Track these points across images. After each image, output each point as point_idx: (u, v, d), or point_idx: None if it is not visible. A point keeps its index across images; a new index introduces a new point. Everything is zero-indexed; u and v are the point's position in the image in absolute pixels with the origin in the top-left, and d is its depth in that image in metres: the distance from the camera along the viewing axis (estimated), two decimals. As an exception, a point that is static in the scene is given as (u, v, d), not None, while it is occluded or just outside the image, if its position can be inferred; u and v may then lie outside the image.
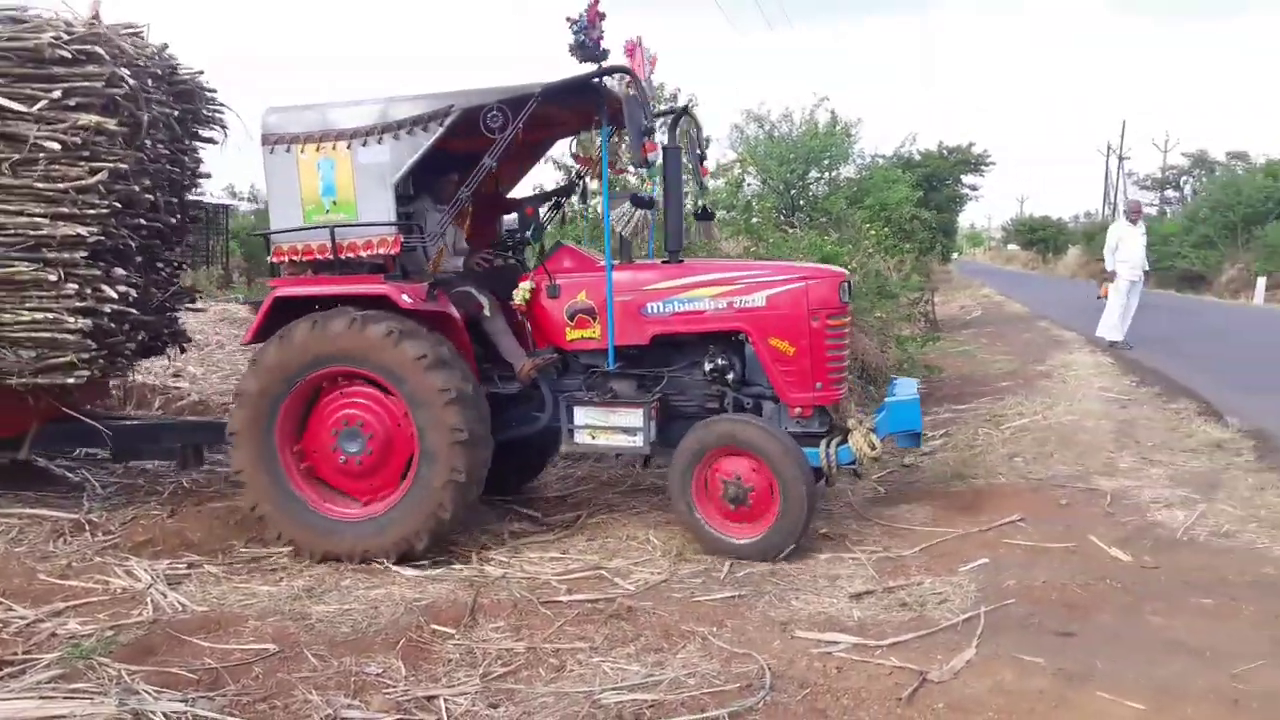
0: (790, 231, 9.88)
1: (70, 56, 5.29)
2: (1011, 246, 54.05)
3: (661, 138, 5.96)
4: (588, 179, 6.82)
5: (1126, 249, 13.49)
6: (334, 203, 5.49)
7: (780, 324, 5.68)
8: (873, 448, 5.48)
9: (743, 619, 4.13)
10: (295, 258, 5.60)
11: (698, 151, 6.32)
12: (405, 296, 5.35)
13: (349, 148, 5.44)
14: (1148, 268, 14.36)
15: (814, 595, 4.47)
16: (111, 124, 5.41)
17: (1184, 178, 52.36)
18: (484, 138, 5.23)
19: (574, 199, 6.89)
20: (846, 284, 5.84)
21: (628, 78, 5.43)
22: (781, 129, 14.70)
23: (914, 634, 3.85)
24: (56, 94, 5.31)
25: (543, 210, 6.64)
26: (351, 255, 5.47)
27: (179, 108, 6.23)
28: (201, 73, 6.46)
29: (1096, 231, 45.99)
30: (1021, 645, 3.69)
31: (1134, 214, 14.69)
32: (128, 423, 6.54)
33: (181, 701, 3.46)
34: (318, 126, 5.48)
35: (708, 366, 5.84)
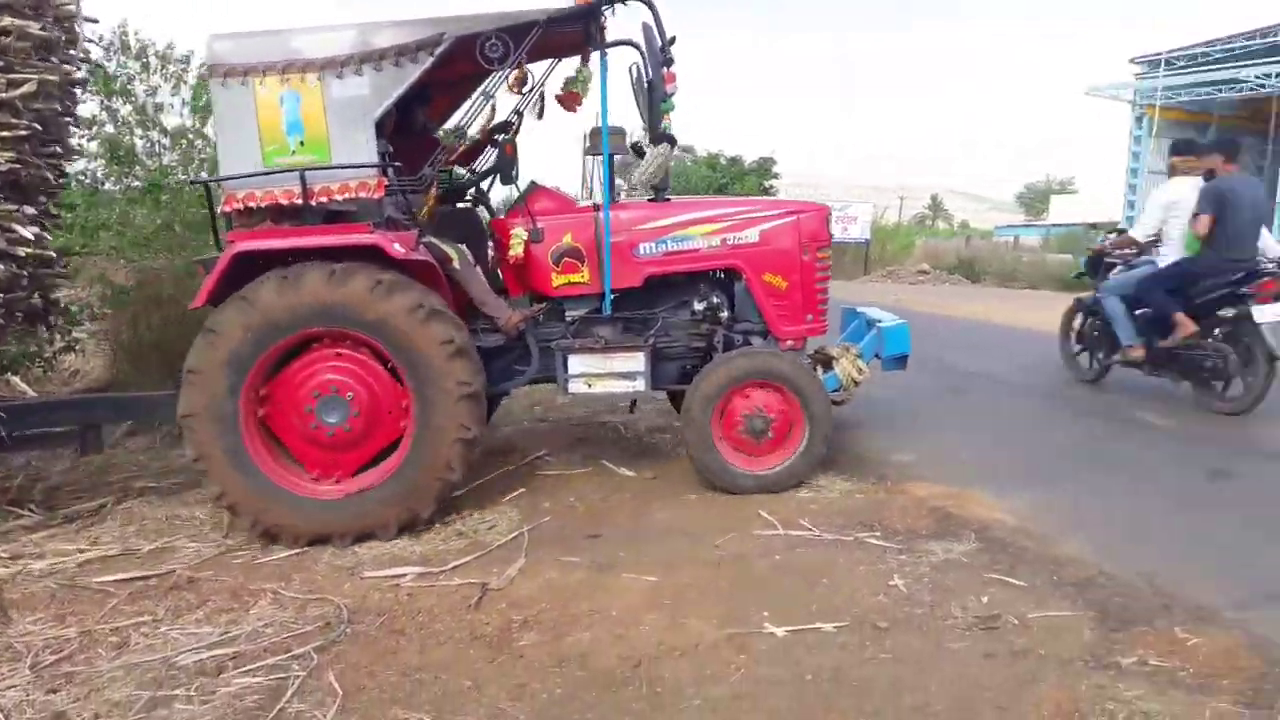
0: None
1: None
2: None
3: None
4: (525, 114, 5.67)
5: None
6: (301, 142, 4.71)
7: (774, 259, 5.61)
8: (860, 372, 5.64)
9: (310, 571, 4.32)
10: (253, 204, 4.73)
11: (662, 54, 5.17)
12: (397, 246, 4.71)
13: (319, 80, 4.67)
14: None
15: (375, 540, 4.72)
16: (35, 28, 4.49)
17: (643, 166, 59.12)
18: (445, 68, 4.81)
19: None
20: (829, 217, 5.90)
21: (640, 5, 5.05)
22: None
23: (472, 556, 4.36)
24: None
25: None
26: (324, 200, 4.74)
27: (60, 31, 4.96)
28: None
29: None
30: (561, 551, 4.38)
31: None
32: (12, 402, 5.39)
33: None
34: (280, 56, 4.66)
35: (698, 306, 5.67)
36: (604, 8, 5.05)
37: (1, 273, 4.52)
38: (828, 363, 5.70)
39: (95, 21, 5.62)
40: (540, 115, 5.68)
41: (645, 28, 5.07)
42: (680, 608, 3.69)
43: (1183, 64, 29.96)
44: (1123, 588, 3.74)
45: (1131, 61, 31.34)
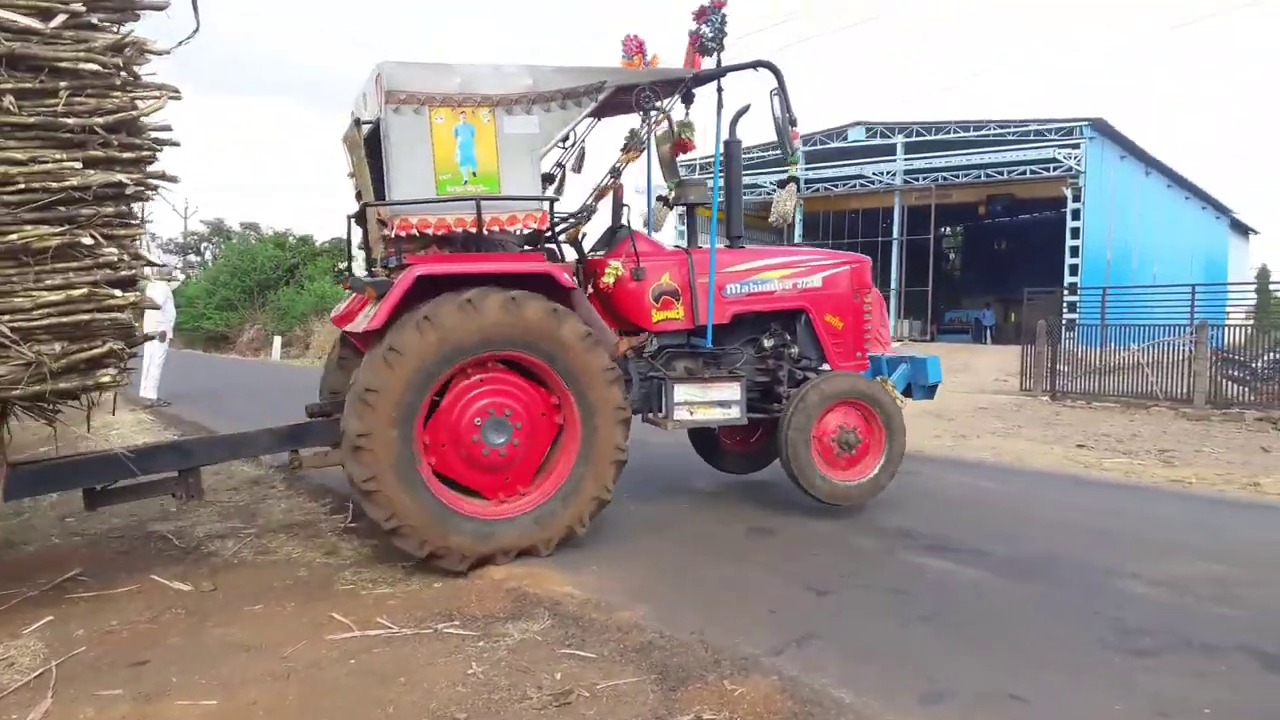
0: None
1: None
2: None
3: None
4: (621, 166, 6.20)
5: (168, 309, 13.97)
6: (473, 173, 4.99)
7: (834, 302, 6.41)
8: (899, 400, 6.23)
9: None
10: (427, 230, 4.99)
11: (788, 114, 5.82)
12: (567, 276, 5.16)
13: (493, 116, 5.00)
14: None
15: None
16: (155, 44, 4.37)
17: (204, 244, 55.69)
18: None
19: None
20: (872, 267, 6.70)
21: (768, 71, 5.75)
22: None
23: (-20, 704, 3.69)
24: (76, 5, 4.13)
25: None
26: (495, 230, 5.09)
27: None
28: None
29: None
30: (99, 684, 3.83)
31: (169, 275, 15.43)
32: (114, 450, 5.09)
33: None
34: (455, 89, 4.98)
35: (768, 343, 6.36)
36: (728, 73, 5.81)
37: (139, 300, 4.46)
38: None
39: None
40: (579, 169, 6.31)
41: (774, 94, 5.73)
42: (244, 731, 3.39)
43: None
44: (679, 647, 4.05)
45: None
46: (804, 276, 6.41)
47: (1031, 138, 28.22)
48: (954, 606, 4.70)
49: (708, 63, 5.90)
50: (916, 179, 31.16)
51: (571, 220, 6.16)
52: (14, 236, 4.09)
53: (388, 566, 5.35)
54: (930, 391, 6.86)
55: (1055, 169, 27.60)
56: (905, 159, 30.75)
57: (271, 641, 4.26)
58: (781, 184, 6.33)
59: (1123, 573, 5.25)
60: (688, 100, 6.19)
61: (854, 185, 32.58)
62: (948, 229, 41.93)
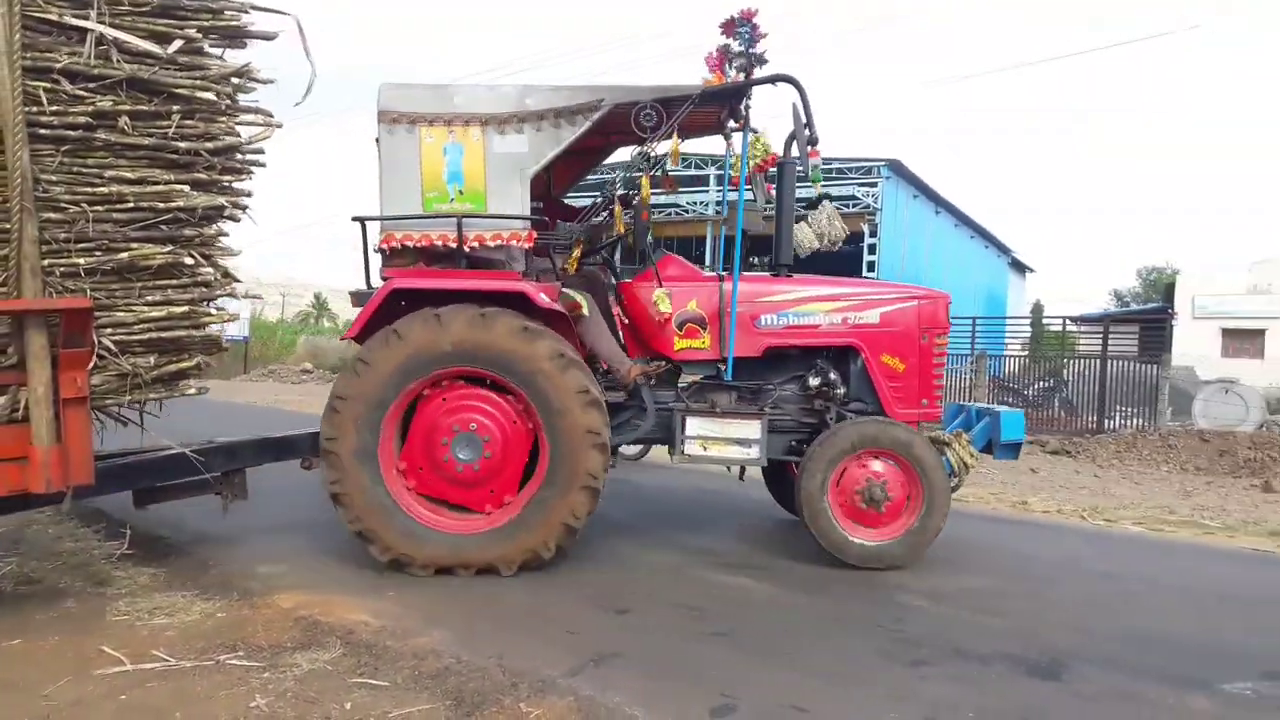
0: None
1: None
2: None
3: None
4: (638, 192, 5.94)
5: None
6: (460, 191, 5.07)
7: (893, 341, 5.75)
8: (972, 457, 5.59)
9: None
10: (410, 244, 5.10)
11: (809, 132, 5.40)
12: (543, 296, 5.07)
13: (483, 134, 5.02)
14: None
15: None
16: (261, 73, 4.59)
17: None
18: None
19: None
20: (949, 304, 5.91)
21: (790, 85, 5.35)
22: None
23: None
24: (192, 32, 4.35)
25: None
26: (476, 246, 5.09)
27: None
28: None
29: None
30: None
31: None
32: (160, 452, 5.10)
33: None
34: (447, 109, 5.04)
35: (813, 381, 5.77)
36: (751, 87, 5.41)
37: (230, 317, 4.73)
38: (940, 448, 5.69)
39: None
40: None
41: (795, 110, 5.36)
42: (-11, 780, 3.09)
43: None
44: (476, 672, 4.00)
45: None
46: (857, 311, 5.83)
47: (834, 175, 29.77)
48: (749, 622, 4.86)
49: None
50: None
51: (611, 241, 6.26)
52: (124, 255, 4.30)
53: (166, 595, 5.02)
54: (1013, 451, 5.86)
55: (855, 205, 29.20)
56: (718, 190, 31.76)
57: (30, 680, 3.90)
58: (812, 203, 6.09)
59: (905, 587, 5.57)
60: (732, 116, 5.90)
61: (670, 213, 33.35)
62: (756, 259, 43.59)
